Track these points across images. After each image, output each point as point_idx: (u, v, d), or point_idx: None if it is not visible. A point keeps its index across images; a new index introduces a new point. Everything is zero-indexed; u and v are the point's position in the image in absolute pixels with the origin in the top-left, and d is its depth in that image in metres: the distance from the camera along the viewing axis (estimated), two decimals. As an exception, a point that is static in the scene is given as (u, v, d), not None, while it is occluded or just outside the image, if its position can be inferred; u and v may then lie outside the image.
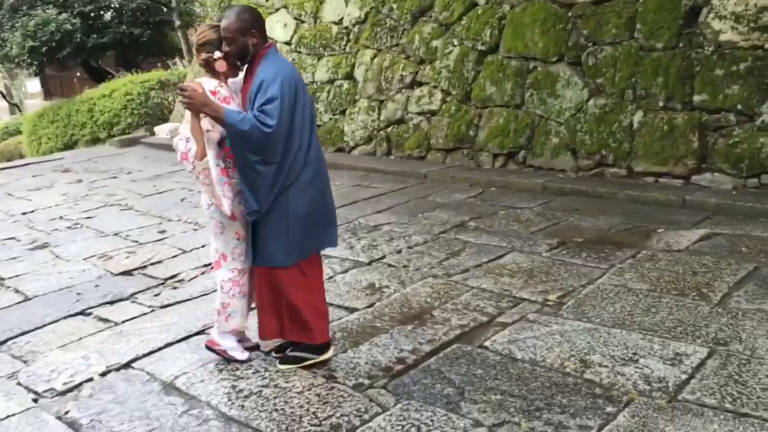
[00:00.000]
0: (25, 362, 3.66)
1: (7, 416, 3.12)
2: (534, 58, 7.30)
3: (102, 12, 13.02)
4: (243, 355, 3.43)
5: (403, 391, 3.08)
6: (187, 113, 3.04)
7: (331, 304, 4.09)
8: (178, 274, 4.86)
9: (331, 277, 4.57)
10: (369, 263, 4.83)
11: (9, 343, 3.92)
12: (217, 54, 3.09)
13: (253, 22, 3.13)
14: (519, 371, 3.18)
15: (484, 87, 7.68)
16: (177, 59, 14.39)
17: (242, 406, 3.04)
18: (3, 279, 5.00)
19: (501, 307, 3.93)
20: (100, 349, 3.71)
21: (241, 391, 3.18)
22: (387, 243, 5.25)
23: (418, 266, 4.70)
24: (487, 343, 3.49)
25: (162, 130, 11.19)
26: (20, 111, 19.57)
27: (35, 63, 12.77)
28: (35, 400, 3.25)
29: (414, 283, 4.40)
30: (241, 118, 2.97)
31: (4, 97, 20.05)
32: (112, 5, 13.23)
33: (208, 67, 3.15)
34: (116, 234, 6.00)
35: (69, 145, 13.05)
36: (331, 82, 9.38)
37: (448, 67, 8.05)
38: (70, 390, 3.32)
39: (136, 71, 13.54)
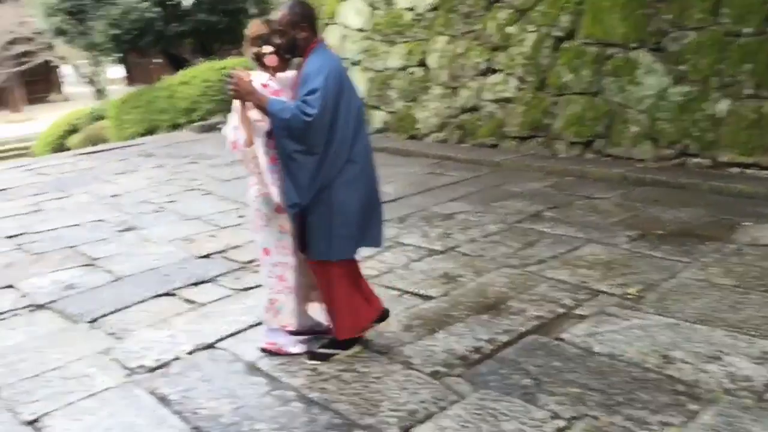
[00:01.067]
0: (118, 339, 3.86)
1: (104, 389, 3.31)
2: (613, 44, 7.12)
3: (181, 1, 13.36)
4: (297, 348, 3.46)
5: (480, 381, 3.11)
6: (236, 102, 3.09)
7: (407, 292, 4.16)
8: (257, 259, 5.00)
9: (406, 265, 4.63)
10: (444, 252, 4.85)
11: (103, 320, 4.13)
12: (267, 48, 3.14)
13: (304, 16, 3.17)
14: (598, 365, 3.16)
15: (561, 74, 7.55)
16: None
17: (322, 389, 3.14)
18: (95, 259, 5.26)
19: (578, 299, 3.89)
20: (187, 329, 3.88)
21: (321, 374, 3.27)
22: (461, 232, 5.26)
23: (493, 256, 4.69)
24: (564, 336, 3.48)
25: (238, 116, 11.47)
26: (104, 96, 20.36)
27: (118, 51, 13.30)
28: (128, 376, 3.43)
29: (489, 272, 4.40)
30: (282, 107, 3.02)
31: (90, 83, 20.98)
32: (192, -6, 13.60)
33: (259, 61, 3.20)
34: (198, 218, 6.21)
35: (150, 131, 13.50)
36: (403, 68, 9.39)
37: (523, 54, 7.94)
38: (159, 367, 3.49)
39: (212, 58, 13.91)
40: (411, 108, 9.23)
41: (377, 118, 9.63)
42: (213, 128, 11.55)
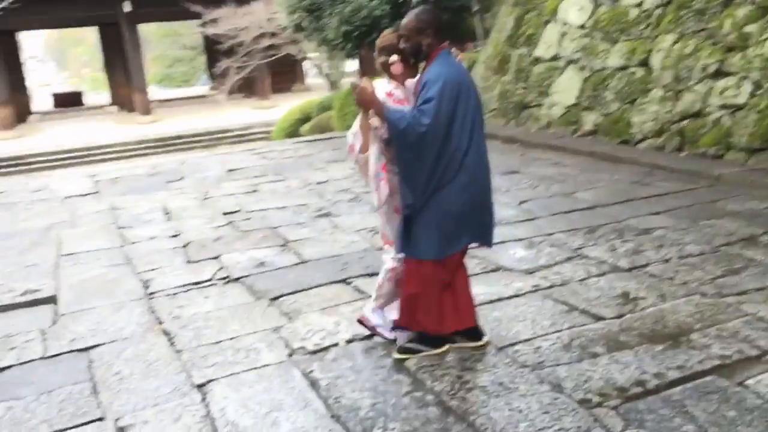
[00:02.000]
0: (289, 319, 4.10)
1: (265, 365, 3.53)
2: None
3: (410, -1, 13.76)
4: (390, 335, 3.57)
5: (635, 418, 2.82)
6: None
7: (577, 309, 3.91)
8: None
9: (583, 280, 4.34)
10: (628, 270, 4.47)
11: (281, 299, 4.41)
12: (393, 57, 3.20)
13: (430, 23, 3.18)
14: (782, 423, 2.71)
15: (807, 79, 6.57)
16: (472, 43, 14.72)
17: (463, 398, 3.05)
18: (288, 241, 5.64)
19: (777, 342, 3.37)
20: (351, 318, 3.99)
21: (465, 382, 3.19)
22: (655, 250, 4.81)
23: (685, 280, 4.23)
24: (749, 382, 3.03)
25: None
26: (337, 88, 21.69)
27: (348, 46, 14.07)
28: (289, 355, 3.63)
29: (676, 298, 3.97)
30: (399, 116, 3.09)
31: (325, 75, 22.51)
32: (419, -9, 13.94)
33: (387, 70, 3.27)
34: (389, 210, 6.37)
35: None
36: (623, 68, 8.80)
37: (762, 56, 7.03)
38: (317, 351, 3.64)
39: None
40: (627, 111, 8.63)
41: (588, 119, 9.15)
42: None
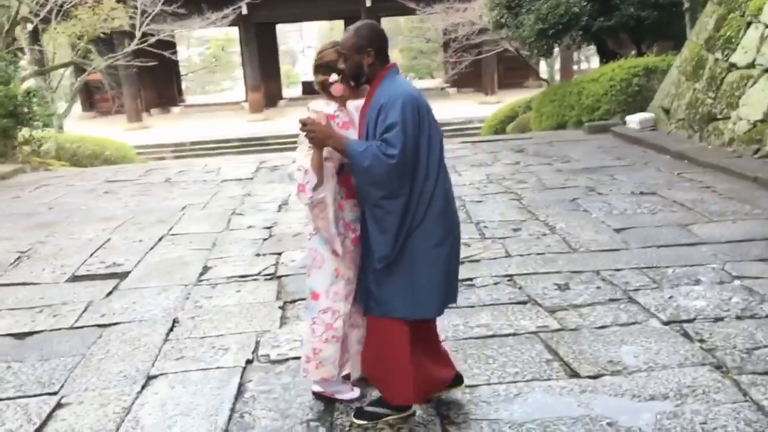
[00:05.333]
0: (283, 324, 4.14)
1: (218, 367, 3.62)
2: None
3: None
4: (353, 393, 3.16)
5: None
6: (305, 143, 2.81)
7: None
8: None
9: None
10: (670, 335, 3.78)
11: (297, 302, 4.46)
12: (333, 77, 2.82)
13: (372, 40, 2.79)
14: None
15: None
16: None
17: (348, 440, 2.87)
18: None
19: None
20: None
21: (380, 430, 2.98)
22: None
23: None
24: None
25: (632, 121, 10.53)
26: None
27: (543, 46, 13.44)
28: (248, 362, 3.67)
29: None
30: (363, 149, 2.69)
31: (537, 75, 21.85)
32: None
33: (325, 90, 2.89)
34: (478, 223, 6.07)
35: (561, 125, 13.43)
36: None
37: None
38: (275, 362, 3.65)
39: (645, 54, 13.01)
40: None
41: (775, 139, 7.76)
42: (605, 129, 10.93)
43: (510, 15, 14.16)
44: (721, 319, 3.83)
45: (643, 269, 4.68)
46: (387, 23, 30.16)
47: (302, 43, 62.18)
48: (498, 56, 25.50)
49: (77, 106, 28.21)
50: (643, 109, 11.12)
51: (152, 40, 18.54)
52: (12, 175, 10.69)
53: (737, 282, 4.35)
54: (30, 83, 15.66)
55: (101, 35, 17.56)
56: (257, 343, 3.90)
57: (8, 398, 3.44)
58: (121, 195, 8.44)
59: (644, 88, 11.24)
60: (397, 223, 2.71)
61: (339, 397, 3.18)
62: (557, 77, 24.96)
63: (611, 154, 9.20)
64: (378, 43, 2.82)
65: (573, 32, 12.97)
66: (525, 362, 3.47)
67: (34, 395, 3.46)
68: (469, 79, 29.99)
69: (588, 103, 12.08)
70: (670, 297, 4.17)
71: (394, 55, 46.12)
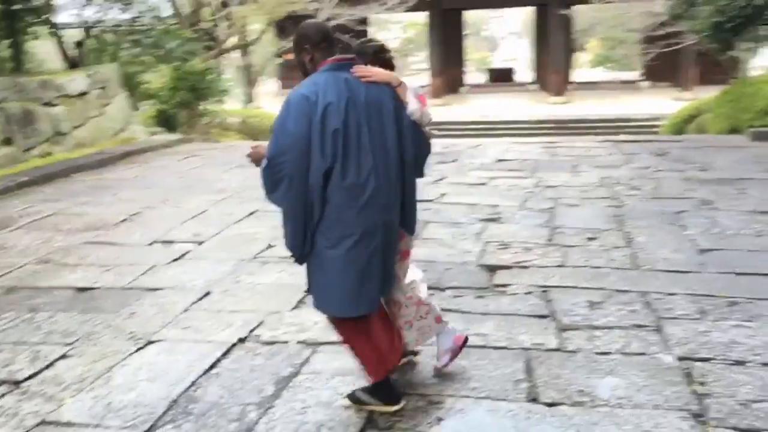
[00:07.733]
0: (296, 308, 4.24)
1: (210, 341, 3.81)
2: None
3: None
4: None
5: None
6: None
7: None
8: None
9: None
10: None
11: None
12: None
13: (307, 38, 2.82)
14: None
15: None
16: None
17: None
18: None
19: None
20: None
21: (295, 416, 2.99)
22: None
23: None
24: None
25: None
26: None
27: (718, 40, 12.07)
28: (240, 339, 3.82)
29: None
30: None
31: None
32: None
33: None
34: (555, 228, 5.71)
35: (734, 129, 12.05)
36: None
37: None
38: (264, 343, 3.77)
39: None
40: None
41: None
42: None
43: (686, 5, 12.91)
44: (743, 363, 3.30)
45: (699, 296, 4.14)
46: (586, 10, 28.70)
47: (505, 29, 61.38)
48: (699, 49, 23.38)
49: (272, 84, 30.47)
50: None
51: (333, 23, 19.38)
52: (175, 144, 11.81)
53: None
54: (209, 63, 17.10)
55: (287, 16, 18.57)
56: (260, 323, 4.03)
57: (22, 342, 3.90)
58: (247, 170, 9.01)
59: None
60: (291, 222, 2.77)
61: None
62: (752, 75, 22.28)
63: (764, 165, 8.12)
64: (314, 40, 2.83)
65: (753, 26, 11.54)
66: (490, 379, 3.25)
67: (47, 343, 3.86)
68: (665, 73, 27.79)
69: (761, 105, 10.70)
70: (705, 331, 3.65)
71: (593, 44, 44.09)
